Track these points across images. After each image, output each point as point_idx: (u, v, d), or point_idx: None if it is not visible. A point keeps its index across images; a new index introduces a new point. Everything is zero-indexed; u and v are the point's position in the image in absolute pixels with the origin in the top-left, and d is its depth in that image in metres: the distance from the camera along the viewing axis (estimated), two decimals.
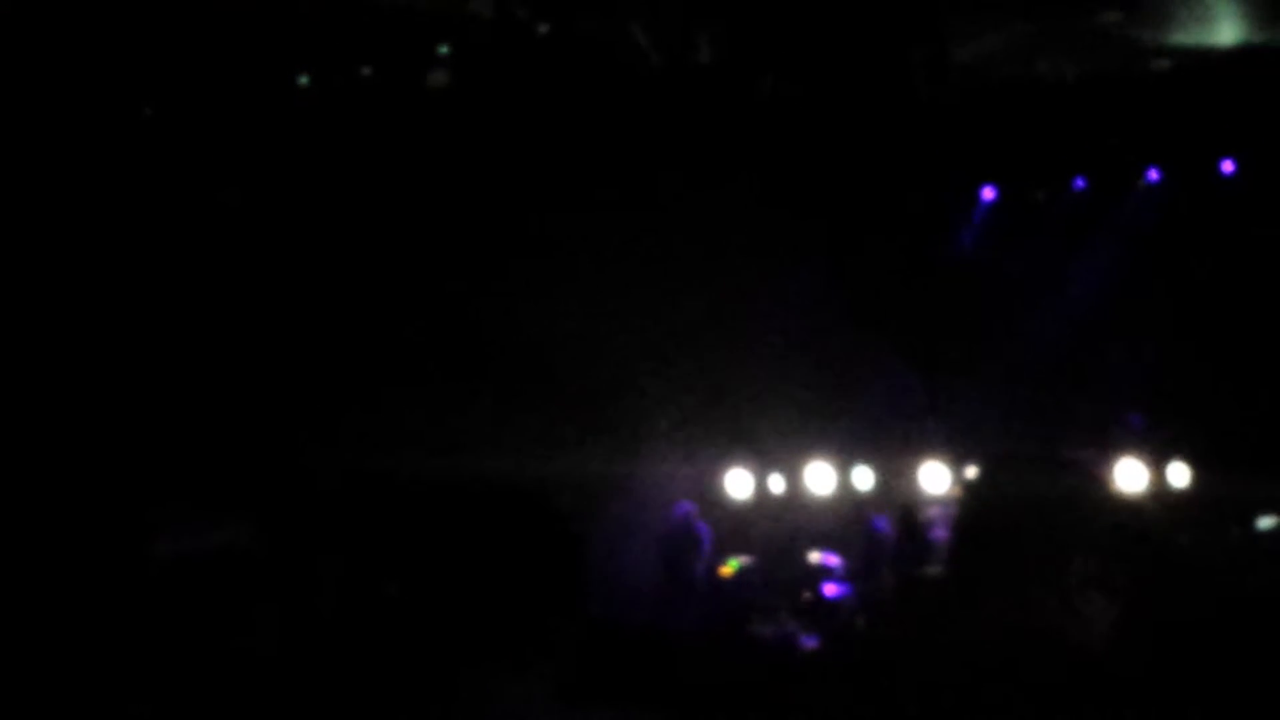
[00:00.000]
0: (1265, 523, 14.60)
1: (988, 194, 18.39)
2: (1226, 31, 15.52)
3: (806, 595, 15.95)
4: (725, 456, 17.60)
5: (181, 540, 13.56)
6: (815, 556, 16.18)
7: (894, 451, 17.00)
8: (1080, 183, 17.96)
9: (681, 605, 15.98)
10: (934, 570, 14.64)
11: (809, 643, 14.65)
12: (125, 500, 14.01)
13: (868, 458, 17.17)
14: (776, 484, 17.68)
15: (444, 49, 15.71)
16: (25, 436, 13.97)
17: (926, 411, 16.83)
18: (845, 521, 17.13)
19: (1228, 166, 17.15)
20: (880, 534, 16.41)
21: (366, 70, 15.80)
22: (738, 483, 17.70)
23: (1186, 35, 15.55)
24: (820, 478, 17.33)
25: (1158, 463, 15.73)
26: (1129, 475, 15.50)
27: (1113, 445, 15.70)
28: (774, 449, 17.54)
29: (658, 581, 16.44)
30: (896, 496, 16.76)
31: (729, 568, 16.79)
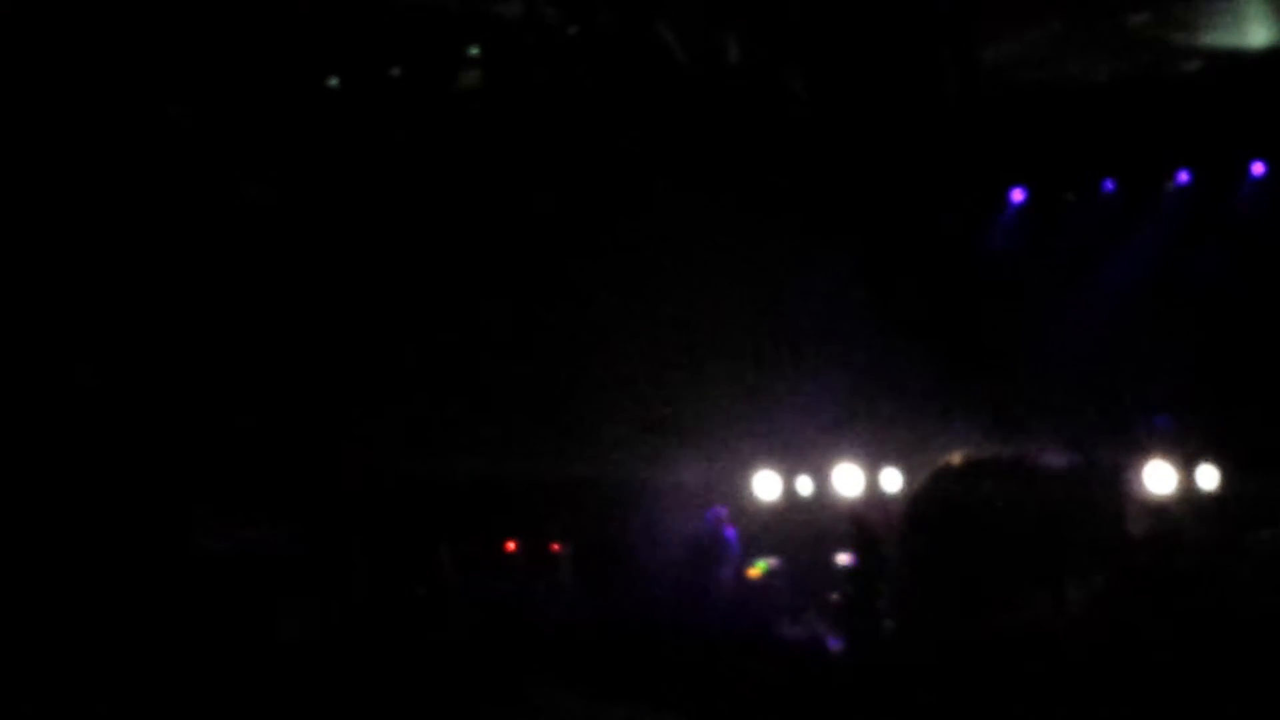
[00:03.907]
0: None
1: (1017, 195, 18.38)
2: (1258, 33, 15.48)
3: (834, 597, 15.95)
4: (753, 458, 17.62)
5: (221, 538, 13.85)
6: (843, 558, 16.17)
7: (922, 453, 16.99)
8: (1110, 185, 17.94)
9: (706, 608, 16.00)
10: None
11: (836, 645, 14.65)
12: (173, 502, 14.31)
13: (896, 459, 17.17)
14: (804, 485, 17.69)
15: (474, 50, 15.73)
16: (80, 446, 14.25)
17: (955, 413, 16.81)
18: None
19: (1258, 169, 17.12)
20: None
21: (396, 71, 15.82)
22: (765, 484, 17.72)
23: (1217, 37, 15.52)
24: (848, 479, 17.34)
25: (1186, 465, 15.72)
26: (1157, 477, 15.49)
27: (1141, 447, 15.69)
28: (802, 450, 17.55)
29: (683, 584, 16.47)
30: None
31: (756, 569, 16.80)
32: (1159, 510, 14.81)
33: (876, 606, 15.14)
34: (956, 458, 3.98)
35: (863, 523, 16.14)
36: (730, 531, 17.04)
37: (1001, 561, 3.77)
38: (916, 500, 3.95)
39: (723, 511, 17.10)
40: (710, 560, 16.74)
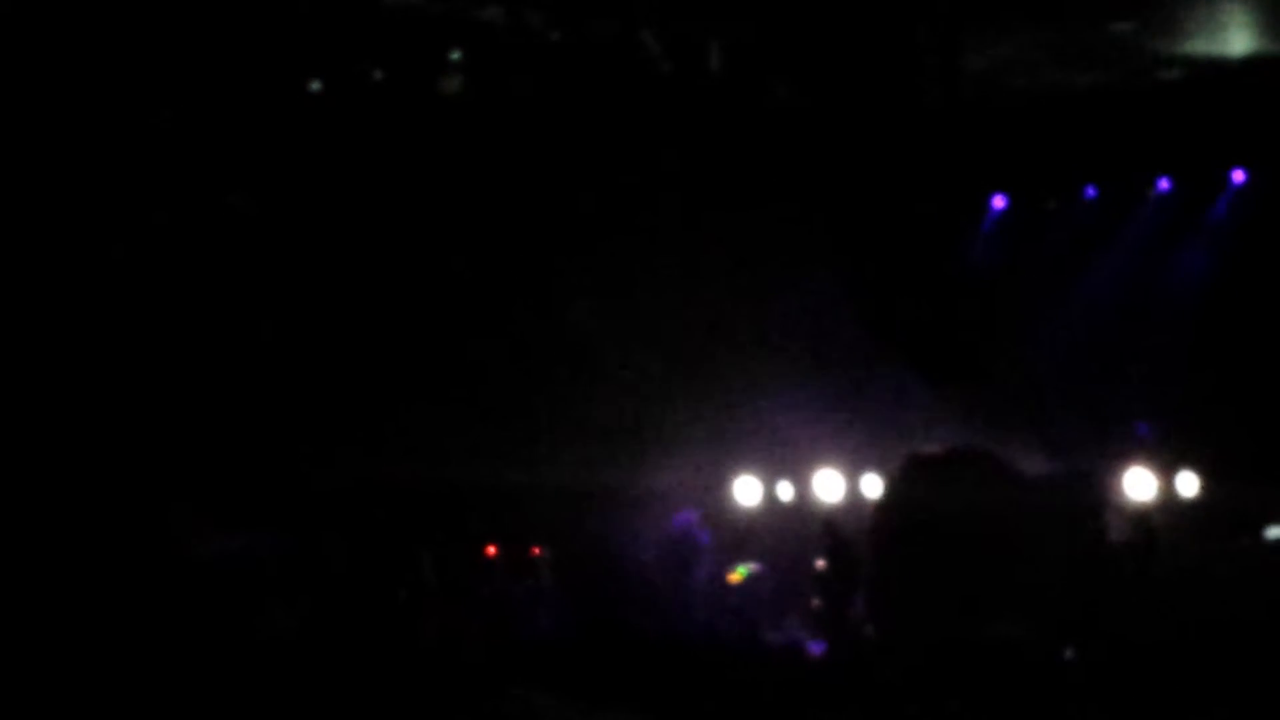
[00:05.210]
0: (1275, 533, 14.60)
1: (998, 203, 18.41)
2: (1238, 42, 15.53)
3: (815, 602, 15.96)
4: (734, 463, 17.62)
5: (203, 542, 13.93)
6: (822, 563, 16.18)
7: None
8: (1091, 192, 17.97)
9: (682, 612, 16.01)
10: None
11: (817, 650, 14.67)
12: (157, 506, 14.39)
13: (877, 465, 17.17)
14: (785, 491, 17.69)
15: (456, 54, 15.73)
16: (68, 451, 14.36)
17: (936, 419, 16.84)
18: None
19: (1238, 176, 17.16)
20: None
21: (378, 75, 15.81)
22: (746, 490, 17.71)
23: (1198, 45, 15.57)
24: (829, 485, 17.33)
25: (1166, 472, 15.74)
26: (1138, 484, 15.51)
27: (1122, 454, 15.72)
28: (783, 456, 17.55)
29: (656, 587, 16.49)
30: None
31: (737, 575, 16.80)
32: (1139, 517, 14.84)
33: (852, 611, 15.17)
34: (931, 450, 3.95)
35: (834, 528, 16.16)
36: (703, 536, 17.07)
37: (979, 567, 3.75)
38: (889, 503, 3.93)
39: (693, 516, 17.12)
40: (681, 564, 16.76)
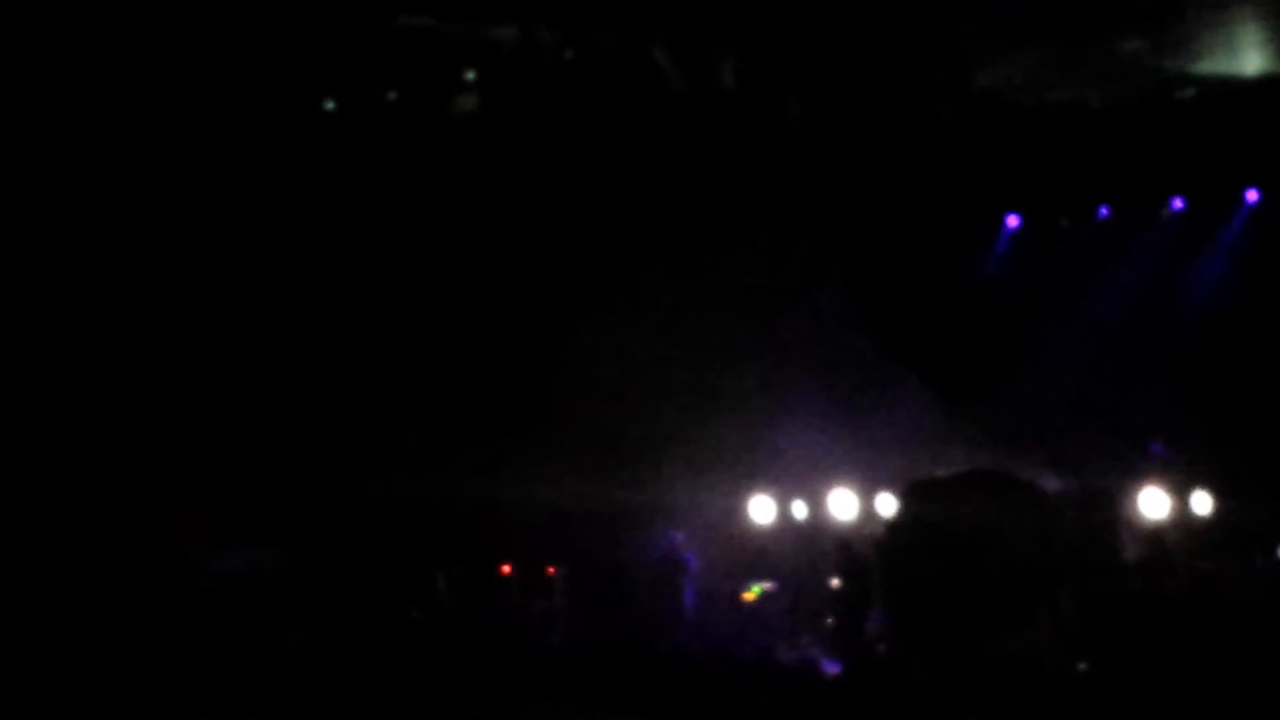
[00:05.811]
0: None
1: (1012, 221, 18.41)
2: (1251, 61, 15.52)
3: (829, 621, 15.96)
4: (748, 482, 17.62)
5: (217, 559, 13.97)
6: (836, 582, 16.19)
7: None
8: (1104, 211, 17.98)
9: (670, 629, 16.05)
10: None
11: (831, 668, 14.65)
12: (173, 525, 14.39)
13: (891, 484, 17.17)
14: (800, 510, 17.70)
15: (470, 74, 15.77)
16: (84, 472, 14.32)
17: (949, 438, 16.84)
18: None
19: (1252, 195, 17.16)
20: None
21: (392, 95, 15.85)
22: (761, 508, 17.72)
23: (1211, 64, 15.56)
24: (843, 504, 17.33)
25: (1181, 491, 15.73)
26: (1152, 503, 15.50)
27: (1136, 472, 15.71)
28: (797, 475, 17.55)
29: (651, 605, 16.58)
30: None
31: (752, 593, 16.82)
32: (1153, 535, 14.83)
33: (866, 629, 15.17)
34: (942, 474, 3.95)
35: (848, 547, 16.17)
36: (690, 557, 17.13)
37: (992, 584, 3.75)
38: (900, 521, 3.92)
39: (678, 536, 17.18)
40: (669, 583, 16.82)
